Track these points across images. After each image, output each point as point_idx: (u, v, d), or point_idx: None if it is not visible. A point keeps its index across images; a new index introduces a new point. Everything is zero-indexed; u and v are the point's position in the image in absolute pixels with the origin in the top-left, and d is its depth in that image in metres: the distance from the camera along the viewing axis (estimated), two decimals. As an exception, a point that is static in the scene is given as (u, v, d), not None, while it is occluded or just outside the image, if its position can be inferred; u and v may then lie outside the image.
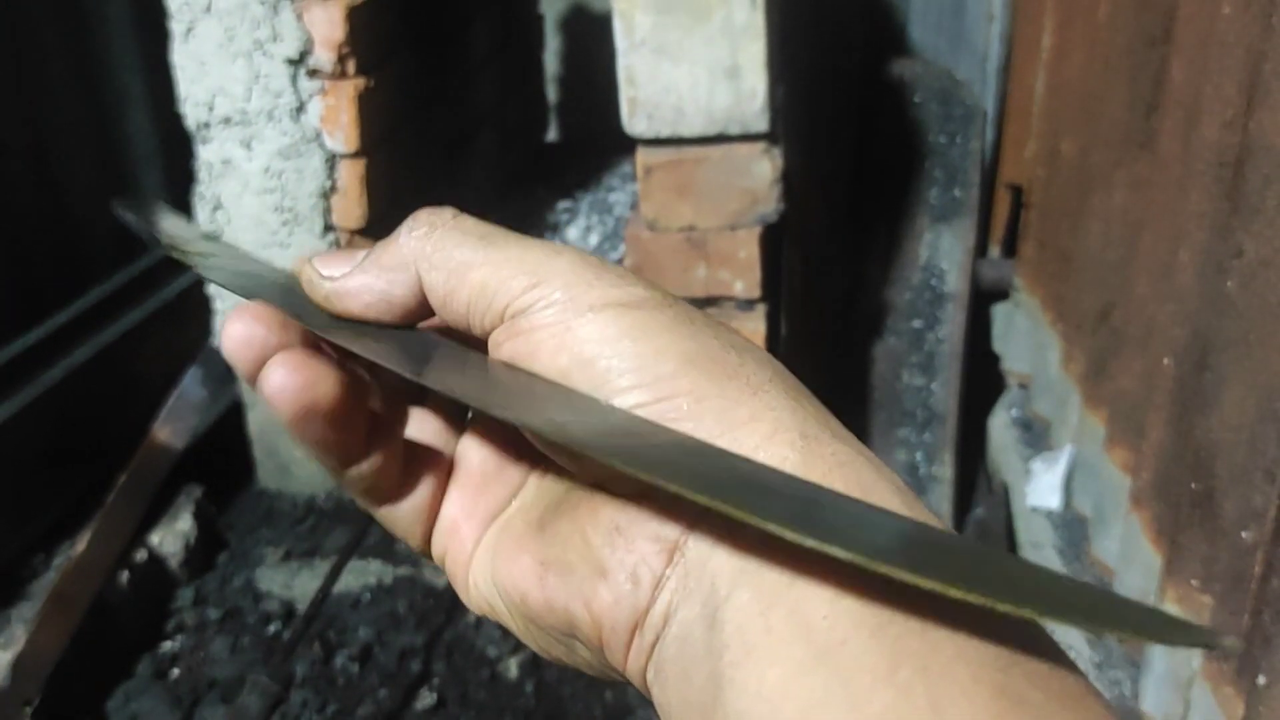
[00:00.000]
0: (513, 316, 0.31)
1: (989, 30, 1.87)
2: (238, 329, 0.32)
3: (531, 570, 0.32)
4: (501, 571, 0.33)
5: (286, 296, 0.35)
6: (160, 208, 0.44)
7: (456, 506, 0.35)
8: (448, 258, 0.32)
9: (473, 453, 0.35)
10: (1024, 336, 1.62)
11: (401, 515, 0.35)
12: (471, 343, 0.34)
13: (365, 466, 0.33)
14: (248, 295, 0.35)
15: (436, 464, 0.35)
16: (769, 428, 0.29)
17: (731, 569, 0.28)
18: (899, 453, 1.72)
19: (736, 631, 0.27)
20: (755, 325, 1.35)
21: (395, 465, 0.34)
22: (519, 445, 0.34)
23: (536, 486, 0.34)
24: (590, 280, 0.31)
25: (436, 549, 0.36)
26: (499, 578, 0.33)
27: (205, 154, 1.41)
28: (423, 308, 0.33)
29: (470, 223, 0.33)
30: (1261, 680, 0.81)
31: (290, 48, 1.32)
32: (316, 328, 0.33)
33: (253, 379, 0.32)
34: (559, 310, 0.31)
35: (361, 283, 0.33)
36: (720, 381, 0.29)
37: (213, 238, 0.42)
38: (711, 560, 0.28)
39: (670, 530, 0.29)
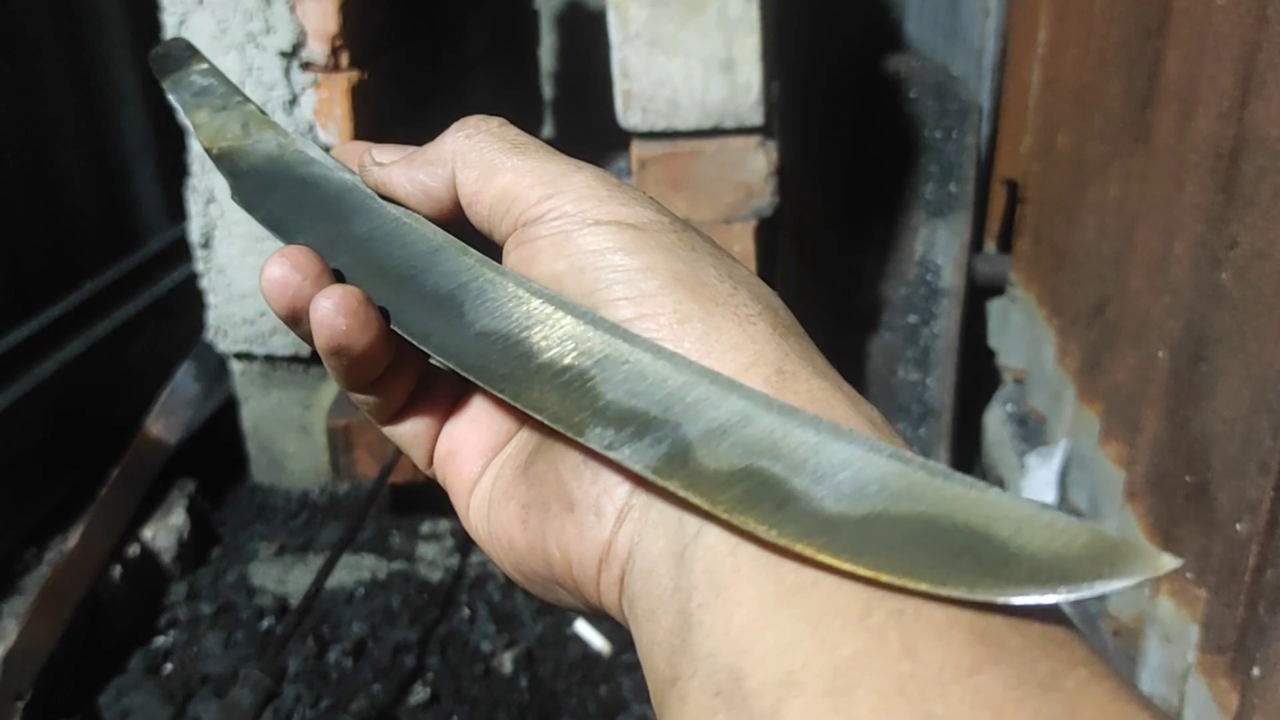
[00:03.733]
0: (525, 225, 0.33)
1: (985, 25, 1.87)
2: (276, 272, 0.33)
3: (516, 515, 0.32)
4: (494, 519, 0.34)
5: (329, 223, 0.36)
6: (198, 65, 0.43)
7: (456, 434, 0.36)
8: (480, 158, 0.34)
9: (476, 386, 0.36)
10: (1019, 331, 1.62)
11: (404, 434, 0.37)
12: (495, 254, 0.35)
13: (376, 393, 0.35)
14: (285, 235, 0.36)
15: (443, 390, 0.37)
16: (747, 359, 0.29)
17: None
18: (894, 448, 1.71)
19: (705, 571, 0.26)
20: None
21: (405, 392, 0.35)
22: None
23: (532, 427, 0.35)
24: (603, 197, 0.32)
25: (438, 472, 0.37)
26: (492, 525, 0.34)
27: (198, 147, 1.40)
28: (456, 204, 0.35)
29: (511, 132, 0.35)
30: (1256, 672, 0.80)
31: (283, 40, 1.32)
32: (346, 269, 0.35)
33: (284, 319, 0.34)
34: (565, 221, 0.32)
35: (405, 173, 0.35)
36: (707, 306, 0.30)
37: (263, 121, 0.40)
38: None
39: None
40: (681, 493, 0.27)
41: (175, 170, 1.45)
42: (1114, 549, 0.23)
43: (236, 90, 0.42)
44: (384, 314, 0.33)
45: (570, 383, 0.30)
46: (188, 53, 0.43)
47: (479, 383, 0.31)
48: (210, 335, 1.49)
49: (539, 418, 0.30)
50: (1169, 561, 0.23)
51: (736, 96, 1.23)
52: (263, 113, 0.40)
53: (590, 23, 2.27)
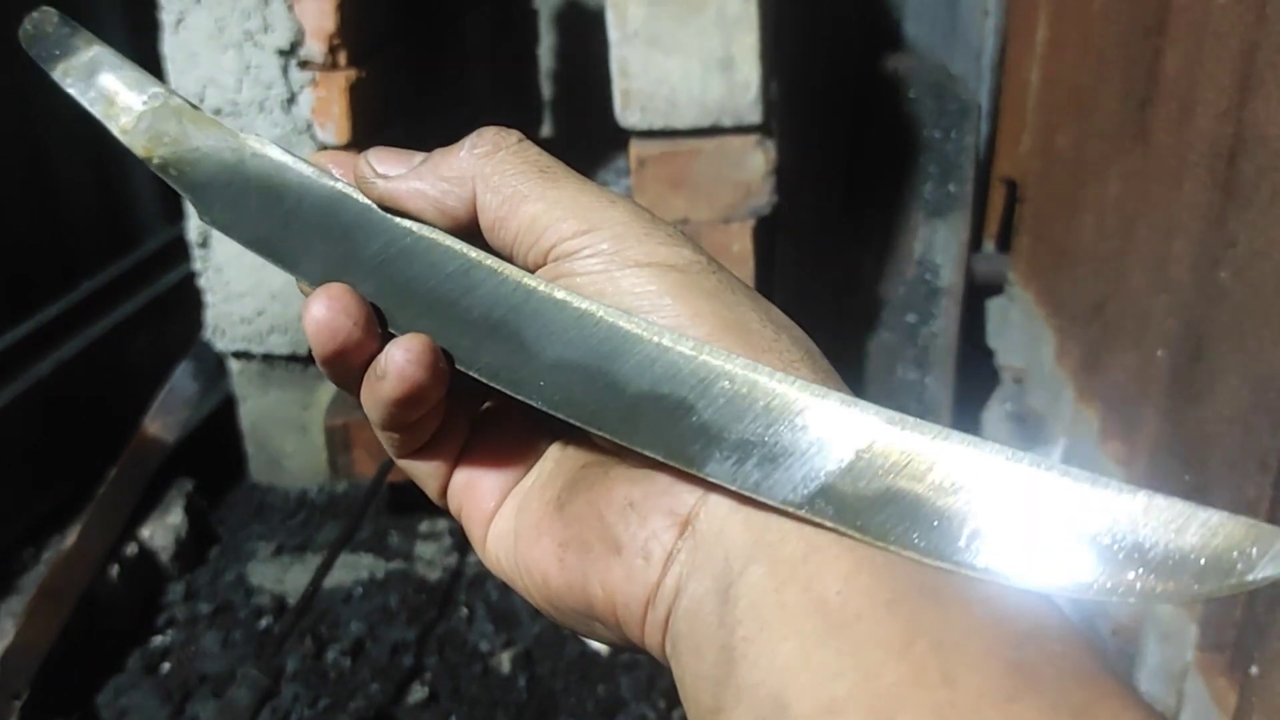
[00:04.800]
0: (557, 259, 0.32)
1: (984, 25, 1.87)
2: (323, 315, 0.31)
3: (551, 553, 0.32)
4: (523, 554, 0.33)
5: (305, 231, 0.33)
6: (88, 49, 0.36)
7: (474, 466, 0.35)
8: (505, 183, 0.32)
9: (495, 414, 0.36)
10: (1018, 331, 1.62)
11: (420, 468, 0.36)
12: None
13: (409, 431, 0.34)
14: (281, 260, 0.33)
15: (460, 422, 0.36)
16: None
17: (744, 544, 0.28)
18: (893, 447, 1.71)
19: (749, 608, 0.27)
20: (749, 318, 1.34)
21: (433, 428, 0.34)
22: (540, 415, 0.34)
23: (555, 459, 0.34)
24: (640, 235, 0.31)
25: (452, 504, 0.36)
26: (520, 559, 0.33)
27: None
28: (472, 223, 0.33)
29: (534, 152, 0.33)
30: (1254, 671, 0.80)
31: (281, 38, 1.31)
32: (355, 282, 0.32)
33: (326, 359, 0.32)
34: (604, 260, 0.31)
35: (415, 189, 0.33)
36: (754, 354, 0.30)
37: (198, 117, 0.35)
38: (723, 535, 0.28)
39: (682, 505, 0.29)
40: (830, 524, 0.27)
41: (173, 169, 1.45)
42: (1270, 538, 0.24)
43: (148, 76, 0.36)
44: (447, 356, 0.31)
45: (672, 412, 0.28)
46: (66, 29, 0.37)
47: (570, 419, 0.30)
48: (208, 334, 1.49)
49: (652, 455, 0.29)
50: None
51: (735, 95, 1.23)
52: (192, 105, 0.35)
53: (589, 21, 2.27)
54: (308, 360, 1.50)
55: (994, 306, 1.74)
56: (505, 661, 1.27)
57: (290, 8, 1.30)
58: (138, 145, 0.35)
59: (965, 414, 1.73)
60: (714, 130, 1.25)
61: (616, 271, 0.31)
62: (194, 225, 1.44)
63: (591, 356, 0.30)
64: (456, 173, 0.33)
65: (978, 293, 1.76)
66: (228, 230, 0.34)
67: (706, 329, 0.30)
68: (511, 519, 0.34)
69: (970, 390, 1.73)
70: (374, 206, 0.33)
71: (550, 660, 1.27)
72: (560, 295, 0.31)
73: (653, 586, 0.29)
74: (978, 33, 1.89)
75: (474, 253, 0.32)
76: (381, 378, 0.31)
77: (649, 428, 0.29)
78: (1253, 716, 0.80)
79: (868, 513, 0.26)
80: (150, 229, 1.65)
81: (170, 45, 1.34)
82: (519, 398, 0.31)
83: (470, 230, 0.33)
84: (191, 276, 1.49)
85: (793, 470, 0.27)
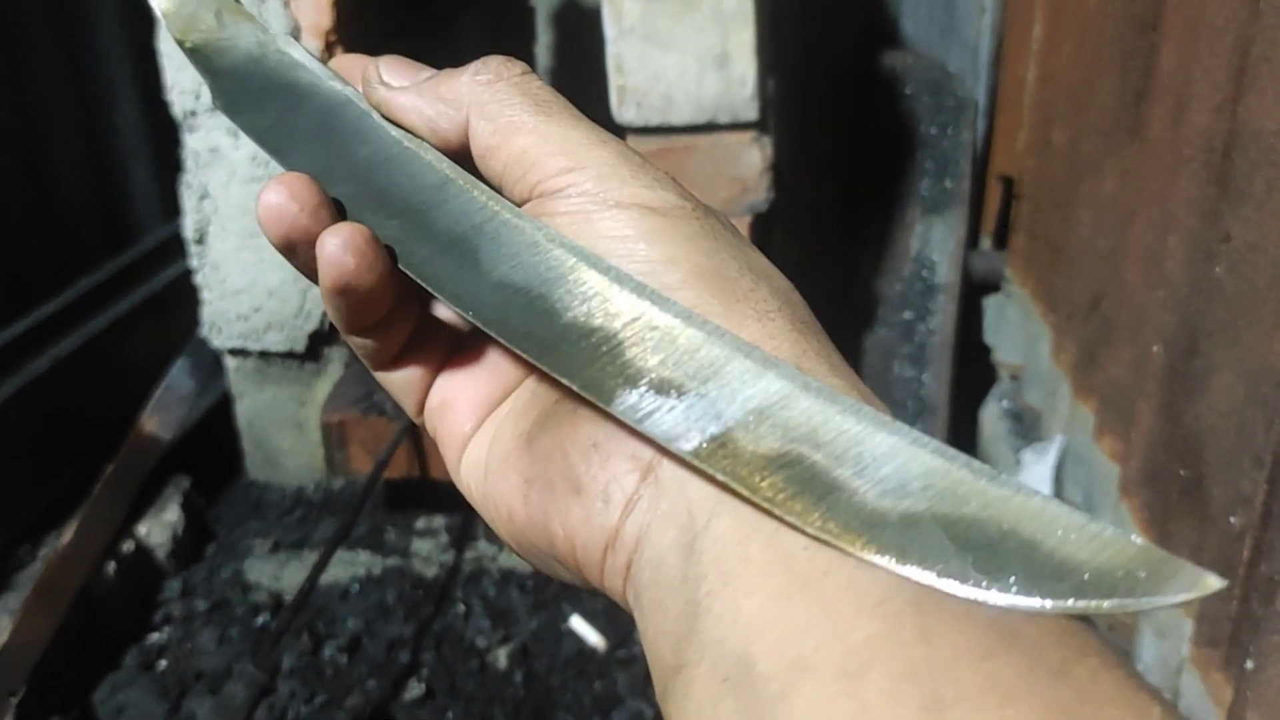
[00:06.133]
0: (541, 196, 0.31)
1: (980, 22, 1.87)
2: (272, 199, 0.32)
3: (517, 488, 0.32)
4: (491, 486, 0.33)
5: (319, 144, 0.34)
6: None
7: (450, 387, 0.35)
8: (499, 112, 0.32)
9: (476, 336, 0.35)
10: (1015, 328, 1.62)
11: (397, 380, 0.36)
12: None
13: (375, 336, 0.34)
14: (276, 152, 0.34)
15: (439, 337, 0.35)
16: None
17: (708, 496, 0.27)
18: (890, 444, 1.71)
19: (714, 561, 0.26)
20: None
21: (403, 336, 0.34)
22: None
23: (532, 390, 0.34)
24: (625, 177, 0.31)
25: (429, 422, 0.36)
26: (489, 491, 0.33)
27: (192, 142, 1.40)
28: (463, 147, 0.33)
29: (535, 85, 0.33)
30: (1250, 665, 0.80)
31: (277, 35, 1.31)
32: (344, 196, 0.33)
33: (279, 248, 0.33)
34: (586, 200, 0.31)
35: (414, 104, 0.33)
36: (727, 302, 0.29)
37: (237, 10, 0.37)
38: (687, 485, 0.28)
39: (645, 450, 0.29)
40: (722, 477, 0.26)
41: (170, 166, 1.45)
42: (1161, 565, 0.23)
43: None
44: (390, 253, 0.32)
45: (597, 346, 0.29)
46: None
47: (500, 339, 0.30)
48: (205, 331, 1.49)
49: (565, 382, 0.29)
50: (1214, 582, 0.23)
51: (731, 92, 1.23)
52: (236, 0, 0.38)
53: (586, 19, 2.27)
54: (304, 357, 1.50)
55: (991, 304, 1.74)
56: (502, 657, 1.27)
57: (286, 4, 1.30)
58: (175, 29, 0.37)
59: (962, 411, 1.73)
60: (710, 127, 1.25)
61: (596, 212, 0.30)
62: (191, 222, 1.44)
63: (536, 281, 0.30)
64: (454, 96, 0.33)
65: (974, 289, 1.76)
66: (234, 116, 0.35)
67: (680, 275, 0.29)
68: (485, 448, 0.34)
69: (967, 387, 1.73)
70: (374, 114, 0.34)
71: (547, 656, 1.27)
72: (518, 221, 0.31)
73: (611, 531, 0.29)
74: (974, 30, 1.89)
75: (453, 170, 0.33)
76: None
77: (569, 356, 0.29)
78: (1248, 710, 0.80)
79: (759, 471, 0.26)
80: (147, 226, 1.65)
81: (167, 42, 1.34)
82: (456, 309, 0.31)
83: (461, 154, 0.33)
84: (188, 274, 1.49)
85: (689, 411, 0.27)
